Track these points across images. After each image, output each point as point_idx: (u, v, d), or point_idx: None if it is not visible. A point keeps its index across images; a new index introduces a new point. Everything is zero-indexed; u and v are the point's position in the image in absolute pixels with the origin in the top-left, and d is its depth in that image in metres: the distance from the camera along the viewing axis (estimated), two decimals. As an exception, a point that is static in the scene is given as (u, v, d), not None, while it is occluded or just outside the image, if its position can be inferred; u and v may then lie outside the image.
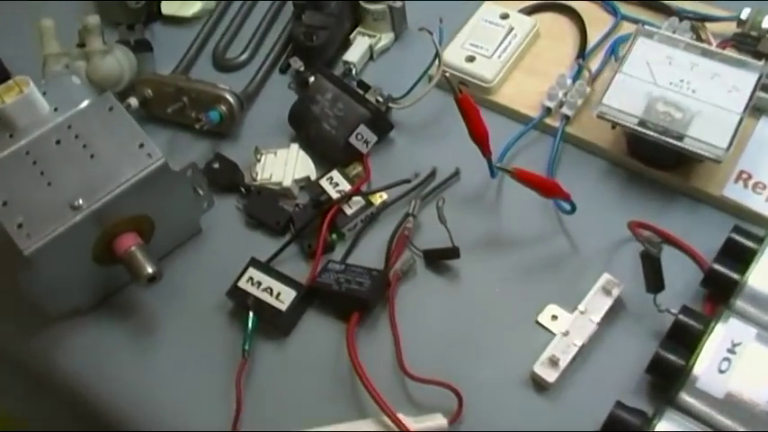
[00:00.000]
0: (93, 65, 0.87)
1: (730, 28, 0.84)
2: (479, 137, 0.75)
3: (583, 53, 0.86)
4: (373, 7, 0.89)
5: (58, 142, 0.74)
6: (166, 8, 0.99)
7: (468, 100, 0.74)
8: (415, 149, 0.85)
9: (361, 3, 0.90)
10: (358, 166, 0.83)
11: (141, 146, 0.73)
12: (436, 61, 0.81)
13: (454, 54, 0.86)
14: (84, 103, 0.77)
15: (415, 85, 0.83)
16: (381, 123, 0.83)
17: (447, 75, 0.76)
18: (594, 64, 0.86)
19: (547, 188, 0.74)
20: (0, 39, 0.97)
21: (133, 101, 0.87)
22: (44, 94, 0.77)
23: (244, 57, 0.94)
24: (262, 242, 0.81)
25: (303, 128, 0.85)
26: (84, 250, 0.73)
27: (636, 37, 0.79)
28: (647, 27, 0.80)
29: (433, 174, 0.82)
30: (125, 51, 0.90)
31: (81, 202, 0.70)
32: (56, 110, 0.77)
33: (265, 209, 0.82)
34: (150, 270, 0.72)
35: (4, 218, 0.70)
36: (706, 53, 0.77)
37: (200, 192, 0.78)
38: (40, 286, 0.72)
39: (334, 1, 0.90)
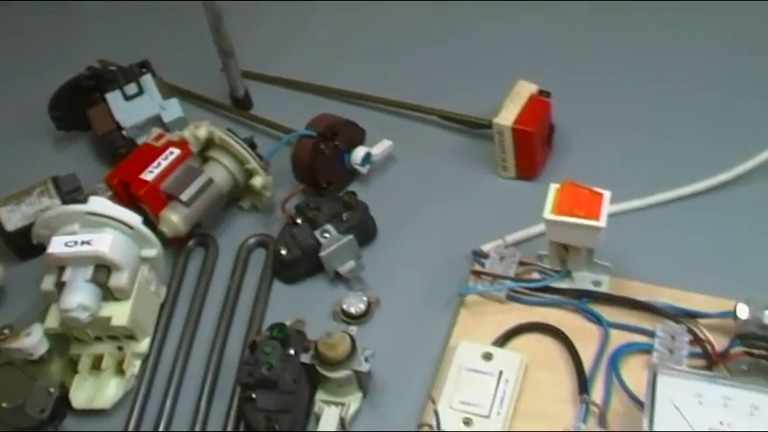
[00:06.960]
0: None
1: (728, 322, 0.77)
2: None
3: (584, 385, 0.76)
4: (335, 375, 0.76)
5: None
6: (78, 400, 0.81)
7: None
8: None
9: (320, 370, 0.76)
10: None
11: None
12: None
13: (446, 418, 0.73)
14: None
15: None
16: None
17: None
18: (598, 389, 0.76)
19: None
20: None
21: None
22: None
23: (191, 449, 0.78)
24: None
25: None
26: None
27: (655, 376, 0.70)
28: (666, 367, 0.70)
29: None
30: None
31: None
32: None
33: None
34: None
35: None
36: (736, 384, 0.69)
37: None
38: None
39: (288, 374, 0.76)
